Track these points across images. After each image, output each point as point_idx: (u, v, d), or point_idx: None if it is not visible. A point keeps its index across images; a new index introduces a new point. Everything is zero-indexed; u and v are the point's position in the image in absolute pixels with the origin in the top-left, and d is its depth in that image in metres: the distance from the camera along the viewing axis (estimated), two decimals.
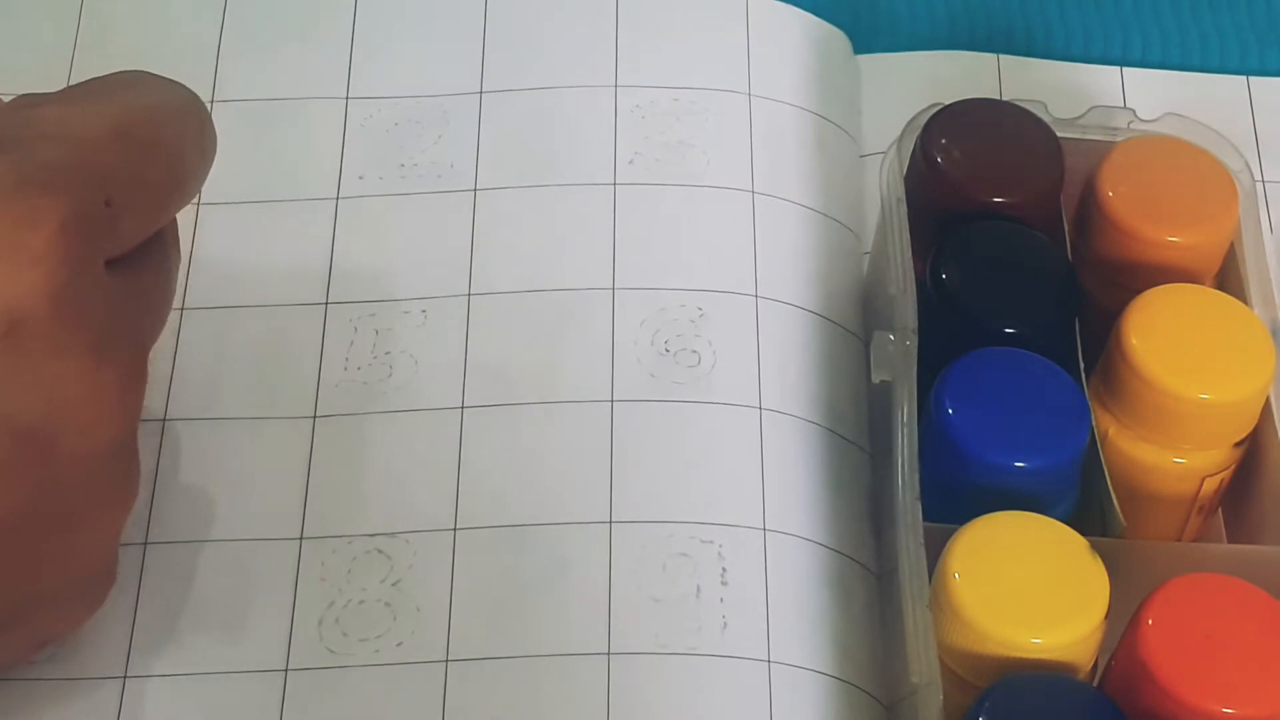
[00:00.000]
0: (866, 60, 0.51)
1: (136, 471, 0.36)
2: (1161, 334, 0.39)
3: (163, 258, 0.38)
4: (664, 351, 0.43)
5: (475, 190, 0.46)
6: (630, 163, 0.46)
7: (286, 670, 0.39)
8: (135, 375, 0.35)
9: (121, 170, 0.35)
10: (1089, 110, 0.45)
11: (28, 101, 0.36)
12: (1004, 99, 0.47)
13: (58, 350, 0.33)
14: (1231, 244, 0.42)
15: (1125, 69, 0.51)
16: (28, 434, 0.33)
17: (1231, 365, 0.39)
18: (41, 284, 0.32)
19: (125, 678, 0.38)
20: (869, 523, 0.42)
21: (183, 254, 0.40)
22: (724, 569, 0.40)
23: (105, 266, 0.34)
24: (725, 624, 0.39)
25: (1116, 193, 0.42)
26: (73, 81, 0.43)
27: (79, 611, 0.37)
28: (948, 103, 0.44)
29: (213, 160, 0.39)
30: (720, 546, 0.40)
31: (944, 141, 0.43)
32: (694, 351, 0.43)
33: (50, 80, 0.46)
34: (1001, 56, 0.51)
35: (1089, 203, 0.42)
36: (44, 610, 0.36)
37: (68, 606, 0.37)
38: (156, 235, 0.37)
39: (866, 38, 0.51)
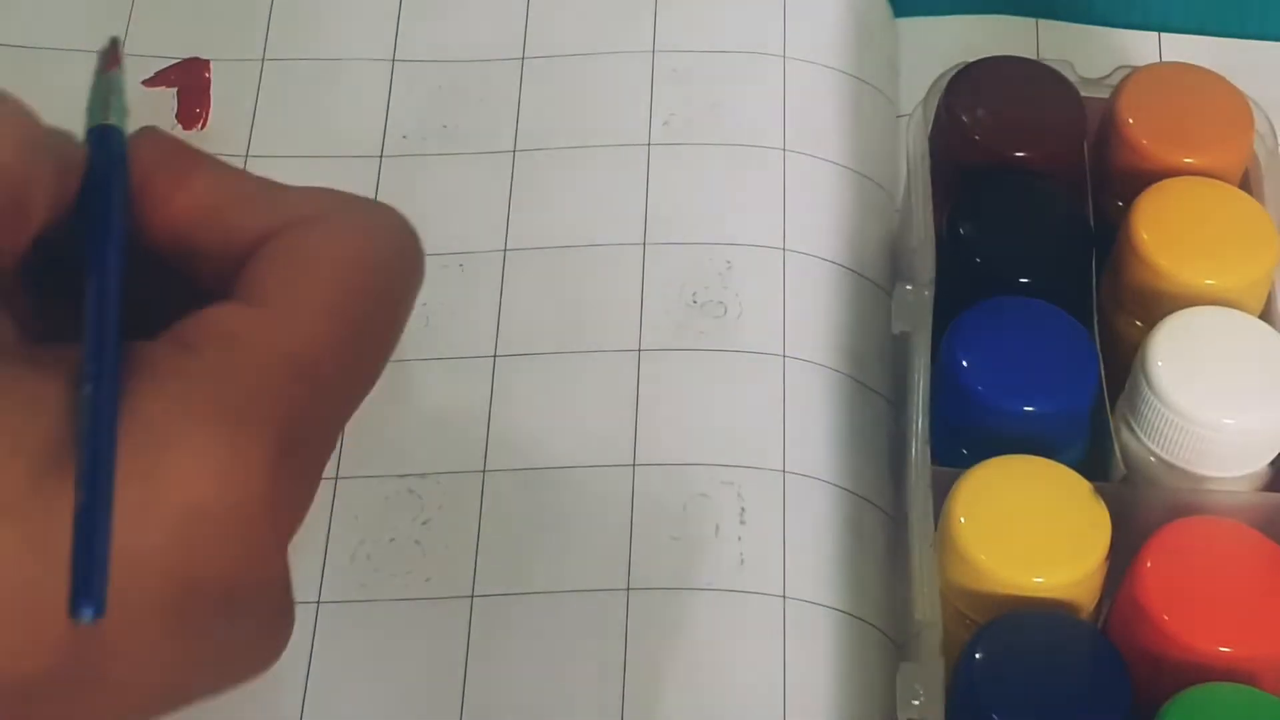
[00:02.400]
0: (907, 23, 0.52)
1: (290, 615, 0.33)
2: (1168, 223, 0.40)
3: None
4: (691, 302, 0.44)
5: (514, 151, 0.47)
6: (665, 124, 0.47)
7: (319, 603, 0.40)
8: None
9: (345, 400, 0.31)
10: (1115, 70, 0.45)
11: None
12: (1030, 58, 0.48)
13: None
14: (1247, 169, 0.43)
15: (1163, 34, 0.52)
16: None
17: (1236, 252, 0.40)
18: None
19: None
20: (889, 469, 0.43)
21: None
22: (743, 509, 0.41)
23: None
24: (742, 561, 0.40)
25: (1135, 118, 0.43)
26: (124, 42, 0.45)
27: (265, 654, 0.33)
28: (971, 60, 0.45)
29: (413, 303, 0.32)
30: (740, 487, 0.41)
31: (967, 98, 0.44)
32: (720, 303, 0.44)
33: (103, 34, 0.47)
34: (1040, 21, 0.52)
35: (1108, 130, 0.43)
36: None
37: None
38: None
39: (908, 1, 0.52)
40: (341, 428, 0.31)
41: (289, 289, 0.30)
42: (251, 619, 0.32)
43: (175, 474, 0.28)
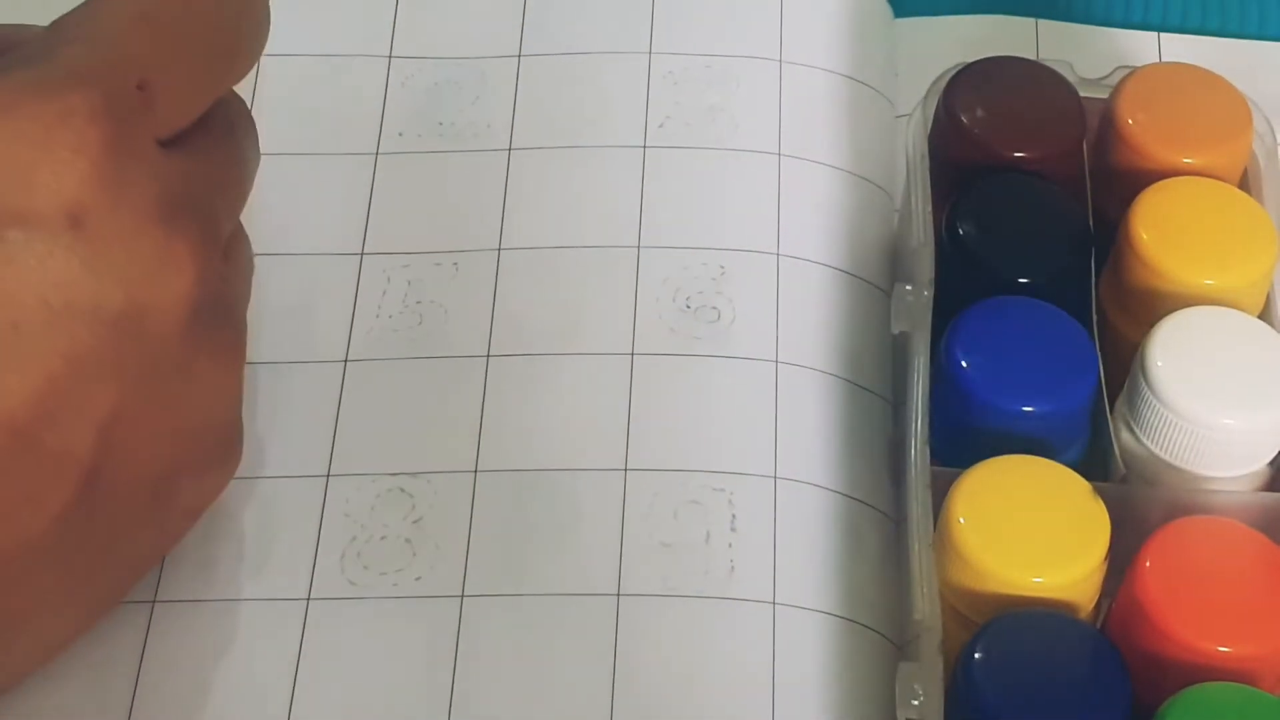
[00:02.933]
0: (907, 23, 0.51)
1: (240, 329, 0.38)
2: (1168, 223, 0.40)
3: (227, 131, 0.38)
4: (685, 308, 0.44)
5: (509, 150, 0.47)
6: (660, 127, 0.47)
7: (308, 600, 0.40)
8: (209, 239, 0.36)
9: (150, 51, 0.36)
10: (1114, 70, 0.45)
11: (61, 16, 0.37)
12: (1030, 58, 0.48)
13: (123, 232, 0.34)
14: (1247, 169, 0.43)
15: (1163, 34, 0.51)
16: (116, 319, 0.34)
17: (1236, 252, 0.40)
18: (89, 172, 0.34)
19: (154, 602, 0.40)
20: (887, 470, 0.43)
21: None
22: (734, 515, 0.41)
23: (161, 147, 0.36)
24: (733, 568, 0.40)
25: (1135, 118, 0.42)
26: None
27: (218, 477, 0.39)
28: (971, 60, 0.44)
29: (267, 24, 0.39)
30: (731, 494, 0.41)
31: (966, 98, 0.43)
32: (714, 308, 0.44)
33: None
34: (1040, 21, 0.52)
35: (1108, 129, 0.43)
36: (186, 480, 0.38)
37: (206, 474, 0.38)
38: (219, 110, 0.38)
39: (907, 1, 0.52)
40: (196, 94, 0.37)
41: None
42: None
43: None
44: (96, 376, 0.34)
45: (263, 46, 0.39)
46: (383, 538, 0.41)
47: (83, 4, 0.37)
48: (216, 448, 0.38)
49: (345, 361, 0.43)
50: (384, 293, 0.45)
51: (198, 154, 0.37)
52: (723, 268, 0.45)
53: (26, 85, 0.34)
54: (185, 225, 0.35)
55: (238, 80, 0.38)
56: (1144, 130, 0.43)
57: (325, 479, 0.42)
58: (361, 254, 0.45)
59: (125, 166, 0.34)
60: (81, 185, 0.34)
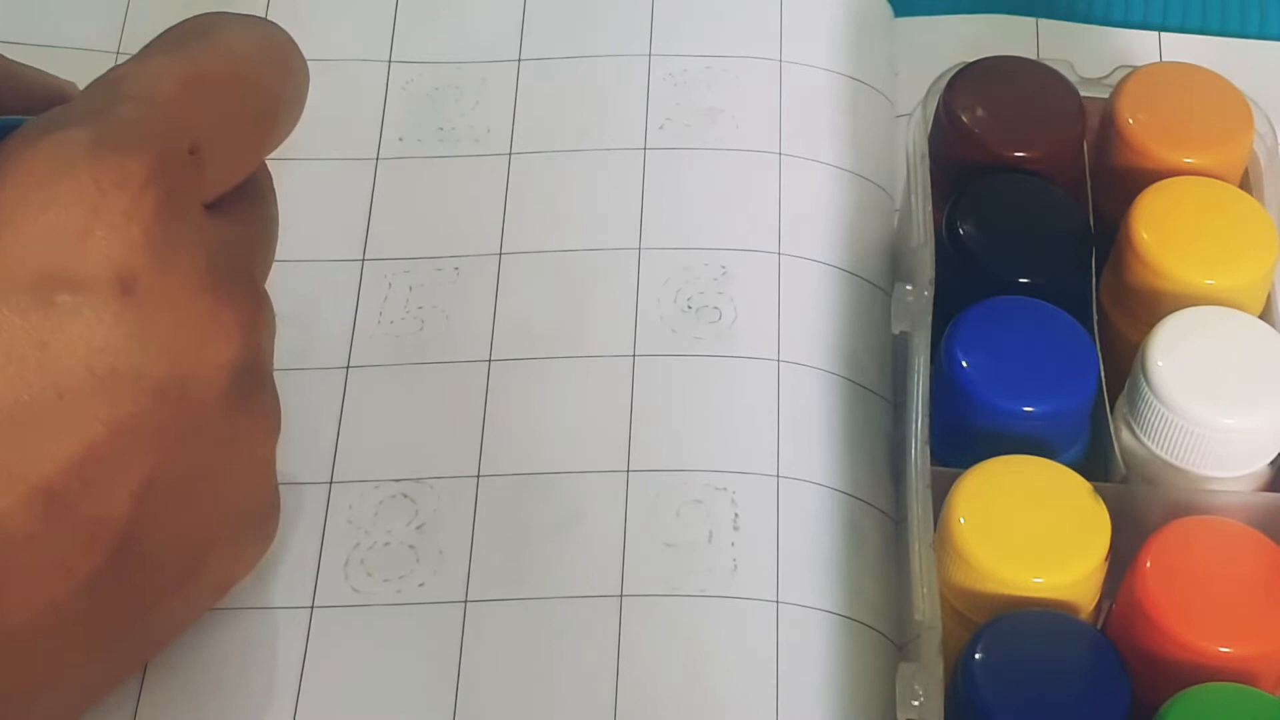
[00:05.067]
0: (906, 23, 0.51)
1: (275, 398, 0.37)
2: (1168, 223, 0.40)
3: (259, 192, 0.38)
4: (686, 308, 0.44)
5: (510, 154, 0.47)
6: (660, 128, 0.47)
7: (312, 608, 0.40)
8: (254, 307, 0.36)
9: (201, 115, 0.35)
10: (1114, 70, 0.45)
11: (113, 69, 0.37)
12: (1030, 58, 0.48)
13: (171, 300, 0.34)
14: (1247, 169, 0.43)
15: (1163, 34, 0.51)
16: (160, 387, 0.34)
17: (1237, 252, 0.40)
18: (141, 238, 0.33)
19: None
20: (888, 469, 0.43)
21: None
22: (736, 514, 0.41)
23: (205, 211, 0.35)
24: (735, 567, 0.40)
25: (1135, 118, 0.43)
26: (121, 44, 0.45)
27: (252, 551, 0.39)
28: (971, 60, 0.44)
29: (306, 86, 0.38)
30: (733, 493, 0.41)
31: (966, 98, 0.43)
32: (715, 308, 0.44)
33: (103, 37, 0.48)
34: (1040, 20, 0.52)
35: (1108, 129, 0.43)
36: (219, 555, 0.37)
37: (239, 547, 0.38)
38: (253, 173, 0.38)
39: (907, 1, 0.52)
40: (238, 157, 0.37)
41: (153, 54, 0.36)
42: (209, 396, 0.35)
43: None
44: (136, 444, 0.34)
45: (301, 110, 0.38)
46: (386, 544, 0.41)
47: (137, 59, 0.36)
48: (251, 521, 0.38)
49: (347, 368, 0.44)
50: (385, 298, 0.45)
51: (237, 218, 0.36)
52: (724, 268, 0.45)
53: (84, 145, 0.33)
54: (230, 292, 0.35)
55: (279, 144, 0.38)
56: (1144, 130, 0.43)
57: (328, 486, 0.42)
58: (363, 260, 0.45)
59: (175, 232, 0.34)
60: (132, 251, 0.33)
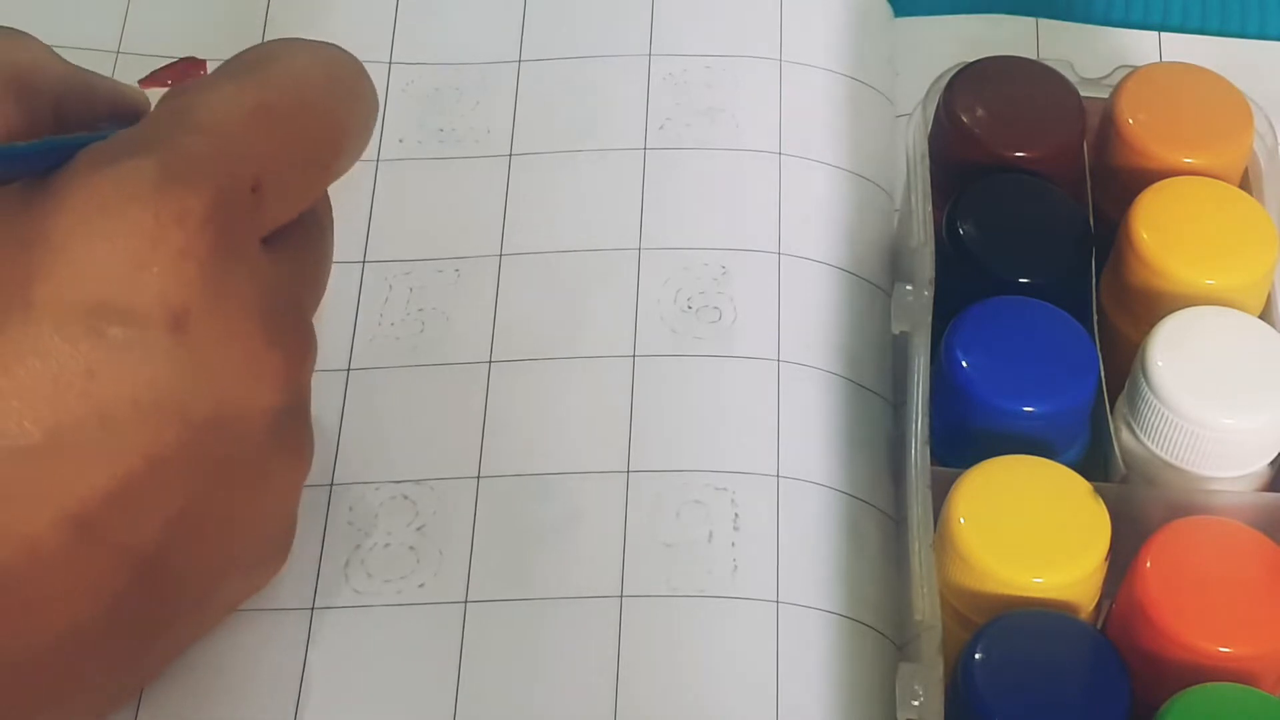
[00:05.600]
0: (906, 23, 0.51)
1: (310, 433, 0.37)
2: (1168, 223, 0.40)
3: (316, 225, 0.38)
4: (686, 308, 0.44)
5: (510, 155, 0.47)
6: (660, 128, 0.47)
7: (313, 609, 0.40)
8: (302, 349, 0.36)
9: (267, 149, 0.35)
10: (1115, 70, 0.45)
11: (176, 92, 0.37)
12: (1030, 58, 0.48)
13: (222, 339, 0.34)
14: (1247, 169, 0.43)
15: (1163, 34, 0.51)
16: (203, 423, 0.34)
17: (1237, 252, 0.40)
18: (196, 275, 0.33)
19: None
20: (889, 469, 0.43)
21: None
22: (736, 514, 0.41)
23: (261, 245, 0.35)
24: (735, 567, 0.40)
25: (1135, 118, 0.43)
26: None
27: (267, 573, 0.39)
28: (971, 60, 0.44)
29: (374, 116, 0.38)
30: (733, 494, 0.41)
31: (966, 98, 0.44)
32: (715, 308, 0.44)
33: (103, 37, 0.48)
34: (1041, 20, 0.52)
35: (1108, 129, 0.43)
36: (236, 577, 0.38)
37: (257, 570, 0.38)
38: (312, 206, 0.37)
39: (907, 1, 0.52)
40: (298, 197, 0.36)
41: (220, 83, 0.36)
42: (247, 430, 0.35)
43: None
44: (173, 477, 0.34)
45: (368, 141, 0.38)
46: (387, 545, 0.41)
47: (207, 84, 0.36)
48: (269, 547, 0.38)
49: (348, 370, 0.44)
50: (386, 300, 0.45)
51: (292, 252, 0.36)
52: (724, 268, 0.45)
53: (148, 177, 0.33)
54: (280, 335, 0.35)
55: (342, 175, 0.37)
56: (1144, 130, 0.43)
57: (329, 488, 0.42)
58: (363, 261, 0.45)
59: (229, 270, 0.34)
60: (187, 288, 0.33)
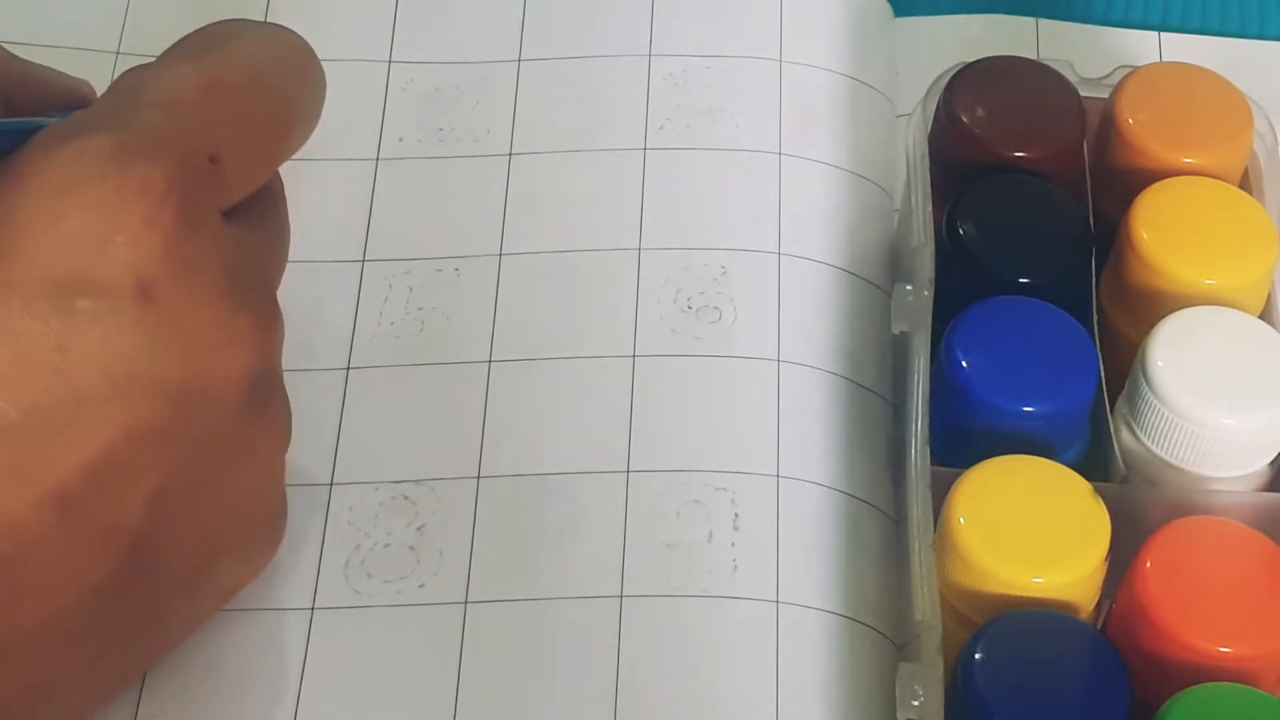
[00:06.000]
0: (907, 23, 0.51)
1: (287, 406, 0.38)
2: (1168, 223, 0.40)
3: (272, 200, 0.38)
4: (686, 308, 0.44)
5: (510, 155, 0.47)
6: (661, 128, 0.47)
7: (313, 609, 0.40)
8: (268, 316, 0.36)
9: (220, 122, 0.36)
10: (1115, 70, 0.45)
11: (128, 73, 0.37)
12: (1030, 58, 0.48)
13: (191, 307, 0.34)
14: (1247, 169, 0.43)
15: (1163, 34, 0.51)
16: (177, 394, 0.34)
17: (1236, 252, 0.40)
18: (160, 246, 0.33)
19: None
20: (889, 469, 0.43)
21: None
22: (736, 514, 0.41)
23: (222, 218, 0.35)
24: (735, 567, 0.40)
25: (1135, 118, 0.43)
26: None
27: (259, 557, 0.39)
28: (971, 60, 0.44)
29: (323, 94, 0.38)
30: (733, 494, 0.41)
31: (966, 98, 0.44)
32: (715, 308, 0.44)
33: (103, 37, 0.48)
34: (1040, 20, 0.52)
35: (1108, 129, 0.43)
36: (227, 559, 0.38)
37: (248, 552, 0.38)
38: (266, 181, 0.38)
39: (907, 1, 0.52)
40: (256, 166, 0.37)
41: (174, 60, 0.36)
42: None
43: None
44: (151, 450, 0.34)
45: (318, 117, 0.38)
46: (386, 545, 0.41)
47: (156, 64, 0.36)
48: (259, 527, 0.38)
49: (347, 369, 0.44)
50: (385, 299, 0.45)
51: (254, 225, 0.37)
52: (724, 268, 0.45)
53: (106, 153, 0.33)
54: (247, 300, 0.35)
55: (295, 151, 0.38)
56: (1144, 130, 0.43)
57: (329, 488, 0.42)
58: (363, 260, 0.45)
59: (194, 240, 0.34)
60: (152, 258, 0.33)
